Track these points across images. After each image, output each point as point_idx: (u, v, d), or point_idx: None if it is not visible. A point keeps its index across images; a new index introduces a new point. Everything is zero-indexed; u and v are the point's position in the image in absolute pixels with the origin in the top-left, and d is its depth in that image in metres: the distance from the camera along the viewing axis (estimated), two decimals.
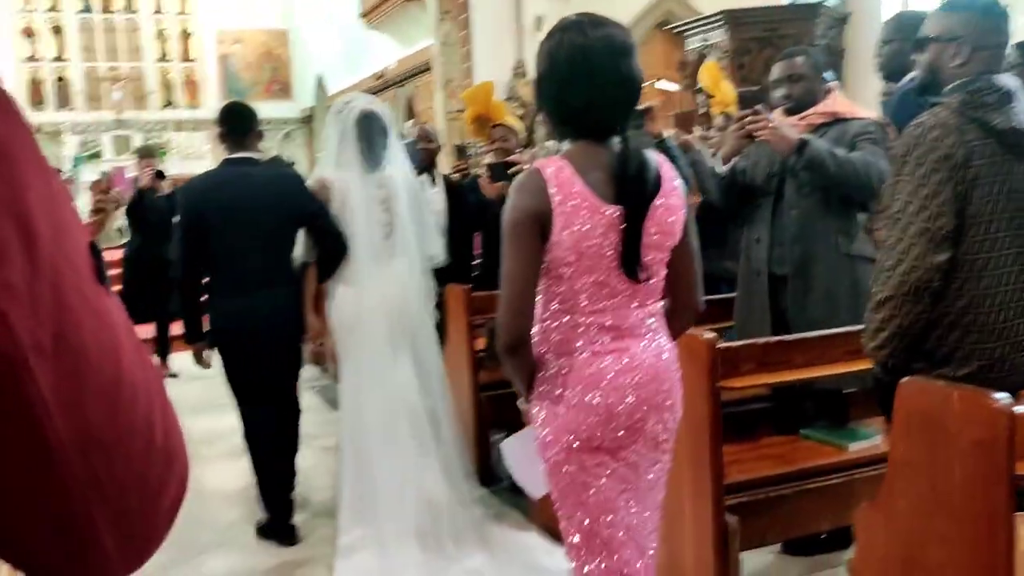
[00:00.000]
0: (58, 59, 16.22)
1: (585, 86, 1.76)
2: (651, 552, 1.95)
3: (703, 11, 10.31)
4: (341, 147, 3.43)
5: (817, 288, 3.03)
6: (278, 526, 3.63)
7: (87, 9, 16.32)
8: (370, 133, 3.42)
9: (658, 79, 12.02)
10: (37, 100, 16.02)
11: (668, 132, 3.72)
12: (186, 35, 17.16)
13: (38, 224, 0.56)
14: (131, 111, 16.25)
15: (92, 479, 0.58)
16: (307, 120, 18.27)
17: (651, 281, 1.83)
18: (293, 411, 3.72)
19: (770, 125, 2.98)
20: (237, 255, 3.45)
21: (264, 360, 3.53)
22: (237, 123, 3.62)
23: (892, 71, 3.52)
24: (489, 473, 4.07)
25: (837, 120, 3.11)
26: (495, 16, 10.36)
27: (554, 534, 2.75)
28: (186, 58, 17.22)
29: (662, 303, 1.91)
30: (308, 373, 4.75)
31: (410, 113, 13.41)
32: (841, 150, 2.95)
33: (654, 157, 1.86)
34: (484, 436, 4.10)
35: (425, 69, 12.05)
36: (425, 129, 5.00)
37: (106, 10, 16.45)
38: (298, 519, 3.75)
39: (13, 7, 15.76)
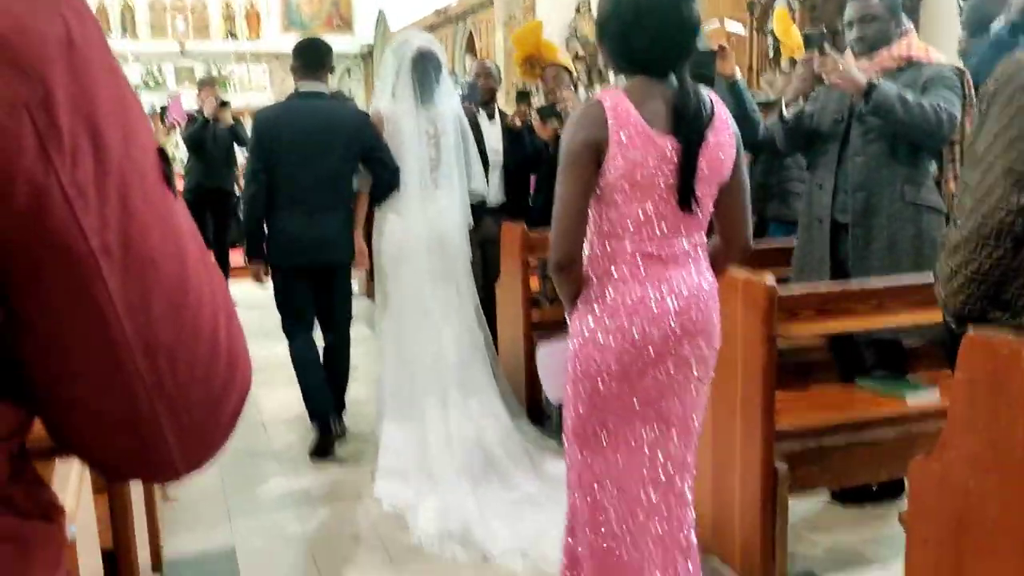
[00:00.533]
0: None
1: (648, 27, 1.85)
2: (686, 484, 2.01)
3: None
4: (397, 82, 3.63)
5: (879, 237, 2.95)
6: (326, 446, 3.82)
7: None
8: (425, 70, 3.60)
9: (723, 19, 11.69)
10: (103, 28, 16.21)
11: (740, 74, 3.61)
12: None
13: (108, 127, 0.56)
14: (193, 41, 16.35)
15: (157, 380, 0.59)
16: (367, 55, 18.19)
17: (700, 213, 1.90)
18: (343, 331, 3.94)
19: (839, 67, 2.88)
20: (301, 180, 3.68)
21: (317, 279, 3.80)
22: (312, 57, 3.81)
23: (975, 24, 3.36)
24: (539, 411, 4.11)
25: (911, 64, 2.99)
26: None
27: None
28: None
29: (705, 237, 1.98)
30: (362, 304, 4.82)
31: (471, 50, 13.26)
32: (912, 95, 2.84)
33: (708, 95, 1.92)
34: (535, 376, 4.12)
35: (487, 5, 11.86)
36: (485, 64, 4.95)
37: None
38: (349, 446, 3.90)
39: None
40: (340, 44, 18.12)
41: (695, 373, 1.94)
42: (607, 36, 1.93)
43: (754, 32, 7.40)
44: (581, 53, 10.11)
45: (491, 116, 4.67)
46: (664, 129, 1.85)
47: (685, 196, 1.85)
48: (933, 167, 3.06)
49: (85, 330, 0.57)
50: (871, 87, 2.83)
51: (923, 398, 2.82)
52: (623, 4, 1.87)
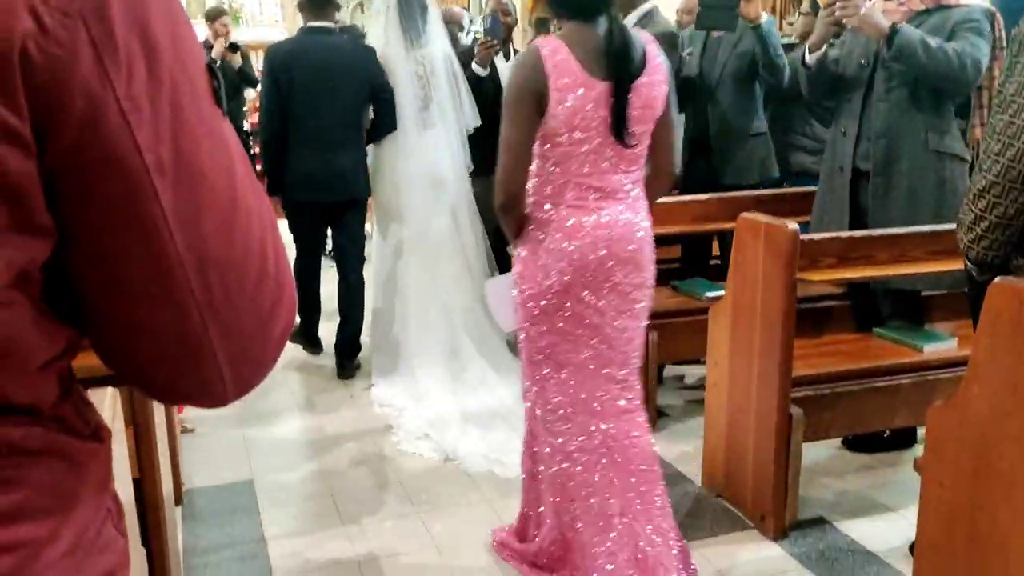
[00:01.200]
0: None
1: None
2: (631, 394, 2.15)
3: None
4: (387, 26, 3.77)
5: (899, 185, 2.91)
6: (345, 365, 4.11)
7: None
8: (410, 13, 3.73)
9: None
10: None
11: (765, 16, 3.53)
12: None
13: (160, 38, 0.55)
14: None
15: (208, 297, 0.59)
16: None
17: (636, 148, 2.04)
18: (358, 271, 4.10)
19: (861, 11, 2.80)
20: (315, 117, 3.76)
21: (333, 215, 3.95)
22: None
23: None
24: None
25: (940, 7, 2.91)
26: None
27: None
28: None
29: (641, 171, 2.12)
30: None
31: None
32: (936, 40, 2.77)
33: (639, 37, 2.06)
34: None
35: None
36: (502, 1, 4.85)
37: None
38: (361, 383, 4.05)
39: None
40: None
41: (631, 297, 2.10)
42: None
43: None
44: None
45: (507, 56, 4.58)
46: (598, 72, 1.97)
47: (619, 132, 1.99)
48: (960, 123, 3.01)
49: (137, 244, 0.56)
50: (893, 31, 2.76)
51: (940, 347, 2.82)
52: None
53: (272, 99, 3.76)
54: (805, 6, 4.36)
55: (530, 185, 2.07)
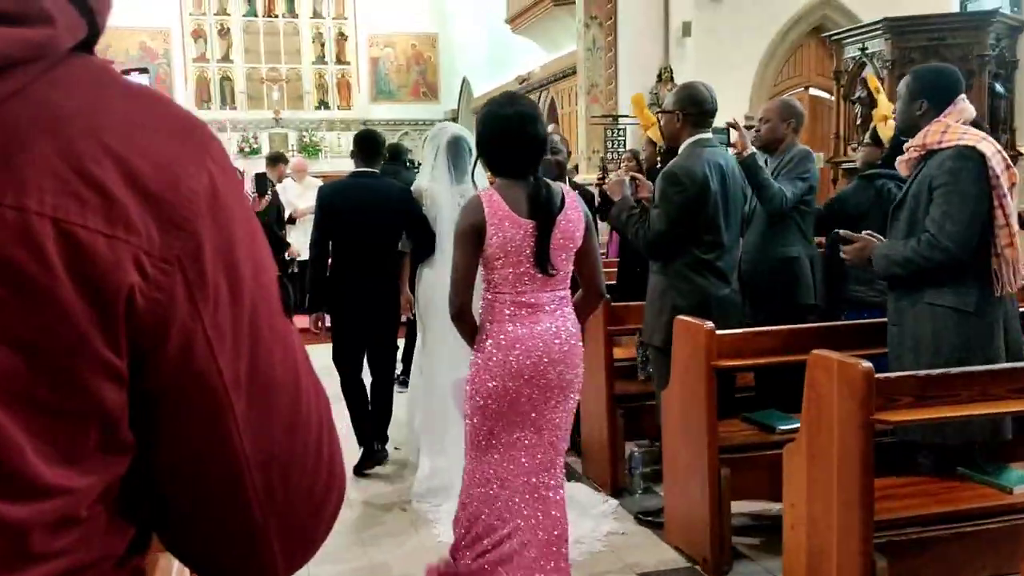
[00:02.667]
0: (224, 60, 17.23)
1: (506, 146, 2.57)
2: (552, 477, 2.61)
3: (862, 18, 9.89)
4: (435, 163, 4.27)
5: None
6: (368, 463, 4.50)
7: (252, 13, 17.26)
8: (458, 153, 4.19)
9: (807, 86, 11.62)
10: (204, 98, 17.06)
11: (752, 148, 3.66)
12: (342, 38, 17.86)
13: (244, 266, 0.60)
14: (288, 111, 17.06)
15: (270, 492, 0.63)
16: (452, 121, 18.69)
17: (558, 273, 2.55)
18: (388, 373, 4.64)
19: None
20: (355, 246, 4.35)
21: (369, 325, 4.46)
22: (368, 147, 4.64)
23: None
24: (619, 484, 4.05)
25: (929, 152, 2.89)
26: (642, 22, 10.29)
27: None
28: (340, 60, 17.92)
29: (568, 291, 2.63)
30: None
31: (552, 117, 13.49)
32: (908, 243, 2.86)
33: (559, 187, 2.62)
34: (616, 446, 4.08)
35: (569, 74, 12.09)
36: (552, 139, 5.03)
37: (269, 14, 17.35)
38: (389, 468, 4.62)
39: (185, 10, 16.87)
40: (426, 111, 18.74)
41: (560, 393, 2.60)
42: (482, 152, 2.68)
43: (841, 100, 7.35)
44: (662, 119, 10.19)
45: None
46: (524, 214, 2.51)
47: (541, 262, 2.51)
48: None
49: (209, 450, 0.60)
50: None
51: None
52: (488, 131, 2.60)
53: (321, 227, 4.44)
54: (867, 138, 4.41)
55: (480, 305, 2.60)
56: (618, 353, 4.32)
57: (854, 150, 6.73)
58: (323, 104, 17.76)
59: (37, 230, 0.50)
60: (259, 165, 12.21)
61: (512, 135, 2.55)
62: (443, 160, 4.24)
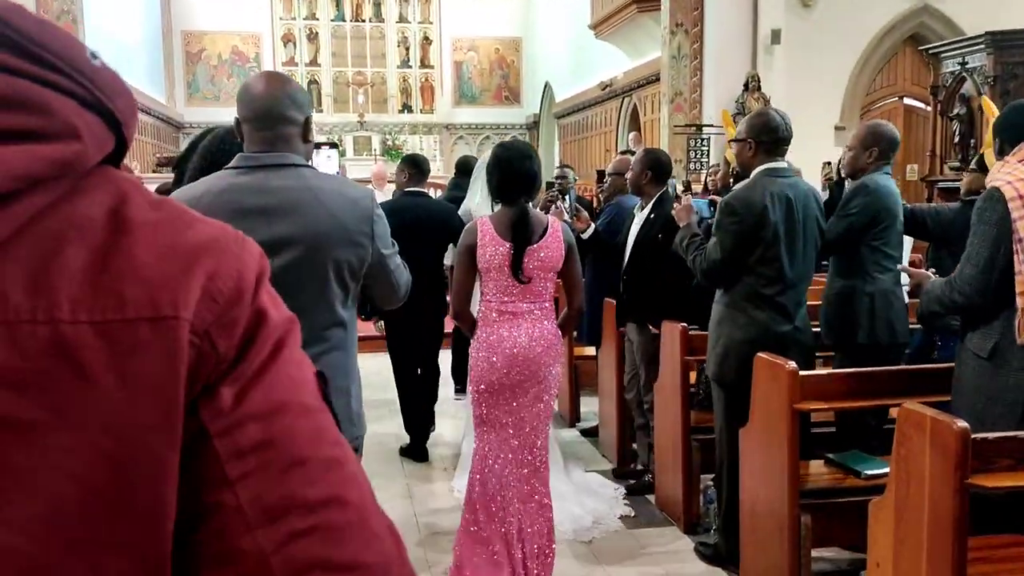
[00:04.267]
0: (312, 63, 17.60)
1: (502, 179, 3.09)
2: (535, 456, 3.15)
3: (962, 28, 9.49)
4: (481, 188, 4.55)
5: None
6: (415, 449, 5.03)
7: (340, 18, 17.59)
8: None
9: (902, 96, 11.21)
10: None
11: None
12: (426, 42, 18.05)
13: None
14: (372, 114, 17.32)
15: None
16: (532, 126, 18.68)
17: (534, 286, 3.06)
18: (434, 368, 5.14)
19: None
20: (409, 257, 4.43)
21: (419, 330, 4.89)
22: (416, 169, 5.08)
23: None
24: (696, 519, 3.94)
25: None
26: (729, 30, 10.06)
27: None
28: (424, 64, 18.11)
29: (546, 303, 3.12)
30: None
31: (634, 124, 13.34)
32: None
33: (545, 218, 3.13)
34: (691, 479, 3.96)
35: (652, 80, 11.93)
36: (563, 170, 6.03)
37: (356, 18, 17.66)
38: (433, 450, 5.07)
39: (276, 15, 17.30)
40: (507, 115, 18.79)
41: (536, 386, 3.11)
42: (488, 184, 3.19)
43: (937, 116, 7.04)
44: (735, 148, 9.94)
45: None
46: (507, 237, 3.03)
47: (515, 273, 3.02)
48: None
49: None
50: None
51: None
52: (489, 168, 3.14)
53: None
54: (973, 164, 4.20)
55: (479, 309, 3.14)
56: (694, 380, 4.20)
57: (952, 169, 6.43)
58: (406, 107, 17.99)
59: (71, 338, 0.49)
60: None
61: (502, 171, 3.09)
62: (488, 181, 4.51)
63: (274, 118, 1.98)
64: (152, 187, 4.78)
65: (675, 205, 3.82)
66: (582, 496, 4.17)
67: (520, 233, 3.02)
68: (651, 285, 4.22)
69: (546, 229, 3.08)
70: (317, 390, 0.60)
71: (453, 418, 5.56)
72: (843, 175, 4.13)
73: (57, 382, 0.48)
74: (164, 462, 0.52)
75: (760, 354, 3.17)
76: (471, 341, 3.17)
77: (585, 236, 4.44)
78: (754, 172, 3.35)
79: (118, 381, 0.50)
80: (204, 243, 0.55)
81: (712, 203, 4.07)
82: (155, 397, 0.51)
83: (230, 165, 1.99)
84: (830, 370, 3.32)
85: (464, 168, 5.71)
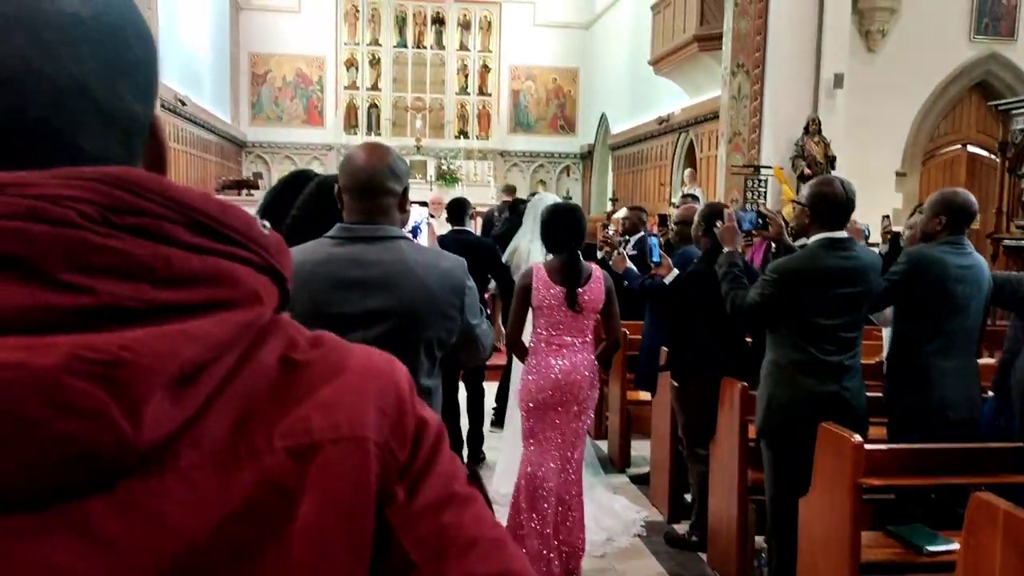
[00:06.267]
0: (373, 88, 17.91)
1: (551, 232, 3.67)
2: (570, 463, 3.68)
3: None
4: (533, 227, 5.01)
5: None
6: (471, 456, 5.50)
7: (402, 44, 17.90)
8: None
9: (966, 143, 11.05)
10: (351, 124, 17.79)
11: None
12: (485, 70, 18.27)
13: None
14: (429, 139, 17.55)
15: None
16: (586, 156, 18.76)
17: (578, 323, 3.59)
18: (479, 388, 5.65)
19: None
20: None
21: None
22: (460, 211, 5.75)
23: None
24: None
25: None
26: (791, 73, 10.03)
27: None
28: (482, 91, 18.32)
29: (588, 337, 3.65)
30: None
31: (690, 160, 13.33)
32: None
33: (589, 267, 3.64)
34: (746, 539, 3.95)
35: (710, 118, 11.92)
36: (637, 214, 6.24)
37: (418, 45, 17.95)
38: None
39: (340, 40, 17.66)
40: (562, 144, 18.90)
41: (577, 407, 3.61)
42: (542, 236, 3.78)
43: (1005, 173, 6.95)
44: (807, 172, 9.88)
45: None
46: (558, 282, 3.56)
47: (572, 306, 3.54)
48: None
49: None
50: None
51: None
52: (544, 224, 3.71)
53: None
54: None
55: (531, 338, 3.66)
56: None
57: (1019, 227, 6.32)
58: (463, 133, 18.19)
59: (273, 466, 0.55)
60: None
61: (553, 229, 3.67)
62: (539, 225, 4.58)
63: (374, 189, 2.04)
64: None
65: (717, 224, 3.80)
66: (600, 515, 4.50)
67: (570, 278, 3.59)
68: (683, 339, 4.24)
69: (590, 275, 3.62)
70: (466, 479, 0.67)
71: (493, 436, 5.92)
72: (914, 237, 4.06)
73: (267, 506, 0.54)
74: (359, 565, 0.58)
75: (824, 424, 3.17)
76: (523, 366, 3.72)
77: (667, 281, 4.44)
78: (811, 240, 3.36)
79: (317, 498, 0.56)
80: (365, 368, 0.62)
81: (760, 215, 4.02)
82: (350, 507, 0.57)
83: (329, 234, 2.07)
84: (898, 445, 3.30)
85: (462, 211, 5.98)
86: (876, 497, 3.71)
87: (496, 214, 8.26)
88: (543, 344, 3.63)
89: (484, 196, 14.28)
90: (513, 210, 6.75)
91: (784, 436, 3.32)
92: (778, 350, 3.38)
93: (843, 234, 3.35)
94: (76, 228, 0.49)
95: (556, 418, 3.61)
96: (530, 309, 3.68)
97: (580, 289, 3.56)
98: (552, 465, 3.61)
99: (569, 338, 3.61)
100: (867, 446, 3.02)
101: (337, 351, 0.63)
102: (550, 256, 3.73)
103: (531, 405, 3.62)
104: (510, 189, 10.62)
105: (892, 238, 4.99)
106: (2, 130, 0.53)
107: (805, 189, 3.52)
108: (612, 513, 4.61)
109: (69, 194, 0.50)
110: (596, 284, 3.62)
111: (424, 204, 7.44)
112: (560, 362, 3.58)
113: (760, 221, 3.94)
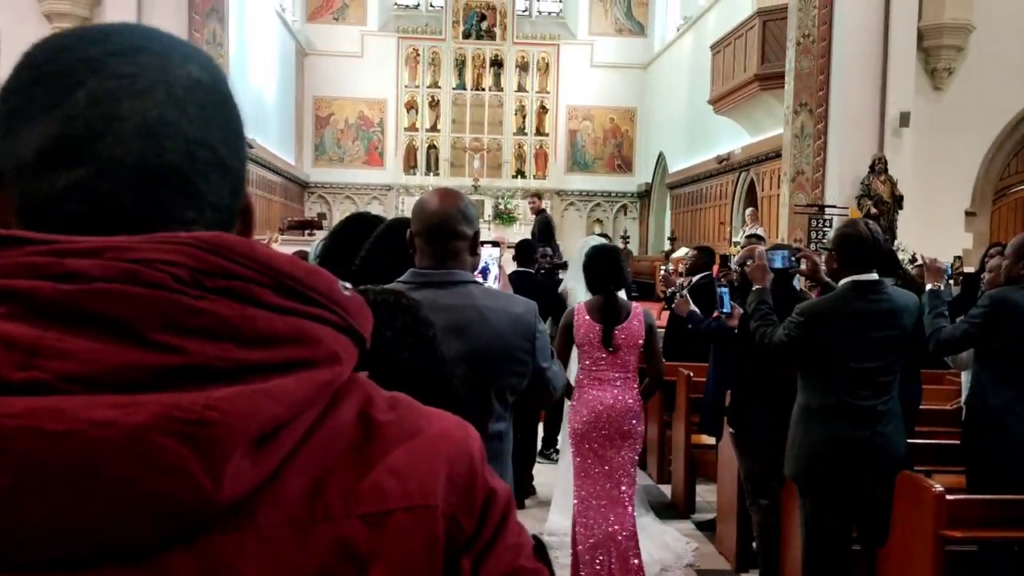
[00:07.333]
0: (432, 129, 18.21)
1: (591, 275, 3.86)
2: (621, 493, 3.73)
3: None
4: (578, 268, 5.00)
5: None
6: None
7: (461, 86, 18.19)
8: None
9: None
10: (411, 164, 18.09)
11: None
12: (542, 111, 18.44)
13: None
14: (486, 179, 17.72)
15: None
16: (644, 194, 18.73)
17: (619, 358, 3.71)
18: (531, 430, 5.78)
19: None
20: None
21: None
22: (527, 252, 6.20)
23: None
24: None
25: None
26: (856, 111, 9.89)
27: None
28: (539, 132, 18.48)
29: (630, 372, 3.75)
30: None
31: (751, 199, 13.20)
32: None
33: (628, 305, 3.82)
34: None
35: (771, 157, 11.82)
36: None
37: (477, 87, 18.22)
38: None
39: (401, 83, 18.03)
40: (619, 184, 18.94)
41: (621, 440, 3.71)
42: (584, 276, 3.98)
43: None
44: (874, 211, 9.69)
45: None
46: (598, 319, 3.72)
47: (606, 344, 3.69)
48: None
49: None
50: None
51: None
52: (585, 266, 3.93)
53: None
54: None
55: (578, 374, 3.82)
56: None
57: None
58: (520, 173, 18.35)
59: (346, 531, 0.56)
60: None
61: (593, 271, 3.85)
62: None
63: (446, 234, 2.05)
64: (288, 250, 4.86)
65: (748, 262, 3.81)
66: (650, 546, 4.53)
67: (608, 317, 3.75)
68: (741, 384, 4.16)
69: (629, 312, 3.80)
70: (532, 552, 0.66)
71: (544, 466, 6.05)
72: (994, 280, 3.93)
73: (340, 570, 0.55)
74: None
75: (904, 472, 3.07)
76: (569, 402, 3.94)
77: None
78: (840, 283, 3.29)
79: (387, 565, 0.56)
80: (439, 435, 0.62)
81: (794, 251, 3.98)
82: (419, 575, 0.57)
83: (401, 279, 2.08)
84: (981, 496, 3.17)
85: (528, 253, 6.37)
86: (957, 549, 3.57)
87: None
88: (585, 379, 3.78)
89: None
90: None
91: (817, 484, 3.23)
92: (808, 394, 3.32)
93: (873, 276, 3.27)
94: (170, 291, 0.52)
95: (601, 450, 3.72)
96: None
97: (617, 327, 3.71)
98: (604, 502, 3.72)
99: (611, 373, 3.74)
100: (948, 496, 2.91)
101: (413, 413, 0.63)
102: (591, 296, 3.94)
103: (577, 438, 3.77)
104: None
105: (964, 279, 4.86)
106: (143, 175, 0.56)
107: (832, 233, 3.49)
108: (663, 545, 4.67)
109: (164, 258, 0.52)
110: (636, 320, 3.75)
111: (496, 244, 7.50)
112: (602, 395, 3.71)
113: (793, 260, 3.90)
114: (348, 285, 0.63)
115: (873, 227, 3.35)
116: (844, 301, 3.25)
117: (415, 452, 0.60)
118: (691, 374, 5.32)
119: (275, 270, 0.55)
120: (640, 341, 3.75)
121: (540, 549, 0.69)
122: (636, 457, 3.85)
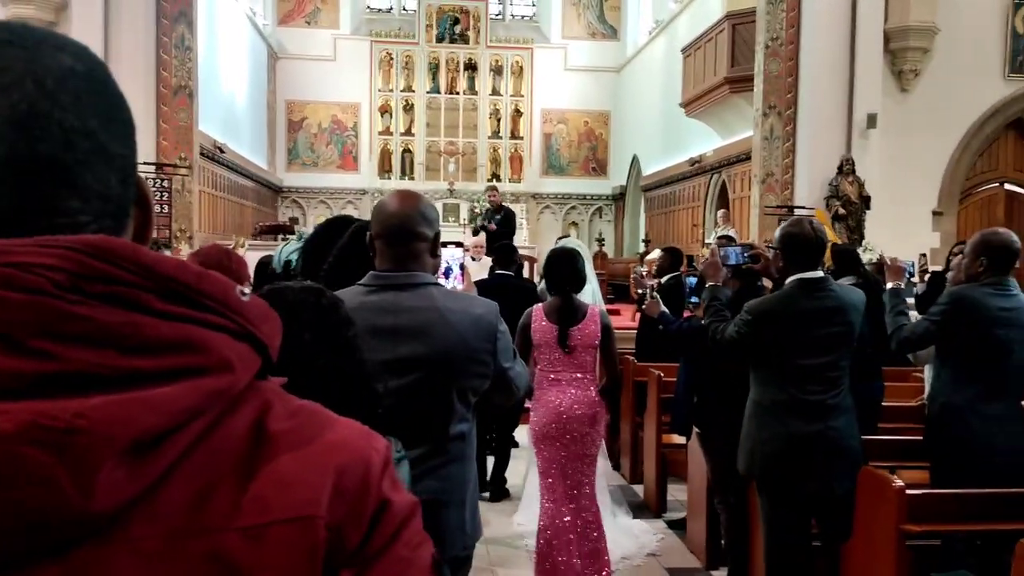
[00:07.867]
0: (406, 133, 18.17)
1: (552, 273, 3.91)
2: (583, 489, 3.79)
3: None
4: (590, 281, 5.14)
5: None
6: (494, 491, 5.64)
7: (435, 90, 18.18)
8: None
9: (1003, 181, 10.91)
10: (385, 168, 18.04)
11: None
12: (517, 114, 18.47)
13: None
14: (461, 183, 17.71)
15: None
16: (618, 197, 18.80)
17: (576, 359, 3.76)
18: (508, 431, 5.84)
19: None
20: None
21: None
22: (506, 255, 6.06)
23: None
24: None
25: None
26: (824, 113, 10.02)
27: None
28: (514, 135, 18.50)
29: (589, 373, 3.80)
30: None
31: (723, 201, 13.30)
32: None
33: (585, 306, 3.86)
34: None
35: (742, 159, 11.92)
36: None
37: (451, 91, 18.22)
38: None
39: (375, 87, 17.99)
40: (593, 187, 18.99)
41: (578, 441, 3.74)
42: (544, 277, 4.16)
43: None
44: (842, 212, 9.81)
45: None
46: (554, 320, 3.77)
47: (561, 344, 3.74)
48: None
49: None
50: None
51: None
52: (544, 267, 4.08)
53: None
54: None
55: (536, 375, 3.79)
56: None
57: None
58: (495, 176, 18.32)
59: (224, 545, 0.55)
60: None
61: (551, 272, 3.92)
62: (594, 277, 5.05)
63: (406, 235, 2.05)
64: (256, 255, 4.79)
65: (698, 259, 3.92)
66: (617, 536, 4.63)
67: (563, 316, 3.80)
68: (706, 384, 4.20)
69: (586, 313, 3.84)
70: (429, 568, 0.65)
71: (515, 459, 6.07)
72: (956, 279, 3.99)
73: None
74: None
75: (867, 468, 3.11)
76: (530, 402, 3.97)
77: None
78: (787, 281, 3.33)
79: None
80: (334, 444, 0.61)
81: (747, 246, 4.02)
82: None
83: (362, 282, 2.09)
84: (943, 490, 3.22)
85: (512, 256, 6.39)
86: (921, 543, 3.61)
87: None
88: (544, 380, 3.81)
89: (516, 238, 14.32)
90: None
91: (770, 479, 3.26)
92: (760, 389, 3.34)
93: (818, 274, 3.30)
94: (48, 296, 0.50)
95: (562, 449, 3.77)
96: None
97: (573, 328, 3.75)
98: (571, 505, 3.78)
99: (568, 374, 3.78)
100: (910, 491, 2.95)
101: (314, 422, 0.62)
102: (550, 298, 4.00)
103: (537, 438, 3.82)
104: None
105: (932, 277, 4.93)
106: (16, 168, 0.55)
107: (776, 233, 3.51)
108: (630, 536, 4.83)
109: (42, 262, 0.51)
110: (591, 321, 3.80)
111: (459, 244, 7.38)
112: (560, 396, 3.75)
113: (747, 256, 3.93)
114: (246, 290, 0.62)
115: (817, 225, 3.40)
116: (791, 299, 3.28)
117: (303, 462, 0.58)
118: (662, 374, 5.34)
119: (160, 275, 0.54)
120: (596, 342, 3.79)
121: (437, 567, 0.67)
122: (596, 454, 3.90)
